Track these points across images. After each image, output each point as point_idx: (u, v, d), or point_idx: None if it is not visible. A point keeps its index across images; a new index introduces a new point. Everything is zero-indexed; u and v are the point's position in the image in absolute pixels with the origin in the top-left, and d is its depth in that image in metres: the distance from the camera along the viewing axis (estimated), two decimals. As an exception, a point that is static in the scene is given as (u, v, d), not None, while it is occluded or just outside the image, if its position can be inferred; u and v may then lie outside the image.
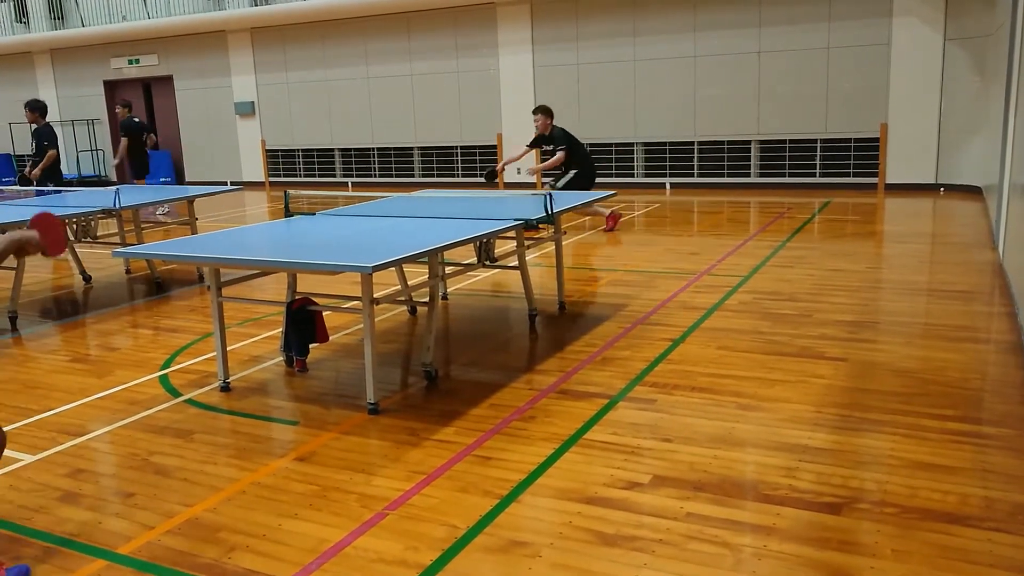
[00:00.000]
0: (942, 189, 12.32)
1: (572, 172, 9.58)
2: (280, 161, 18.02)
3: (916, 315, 5.80)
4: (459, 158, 16.13)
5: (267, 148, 18.05)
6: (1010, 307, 5.75)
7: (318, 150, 17.56)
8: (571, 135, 9.72)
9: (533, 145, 9.96)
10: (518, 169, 15.51)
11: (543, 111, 9.64)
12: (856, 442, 3.71)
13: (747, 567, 2.75)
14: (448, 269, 5.74)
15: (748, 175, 13.78)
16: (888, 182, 12.74)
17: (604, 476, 3.45)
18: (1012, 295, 5.88)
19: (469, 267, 5.60)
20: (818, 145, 13.20)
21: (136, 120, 12.84)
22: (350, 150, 17.21)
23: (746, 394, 4.33)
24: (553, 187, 9.56)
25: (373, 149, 16.91)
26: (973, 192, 11.69)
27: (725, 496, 3.24)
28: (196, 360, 5.38)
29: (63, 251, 3.17)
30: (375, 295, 4.25)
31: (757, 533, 2.96)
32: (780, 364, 4.78)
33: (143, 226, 8.17)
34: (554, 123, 9.67)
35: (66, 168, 19.85)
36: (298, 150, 17.74)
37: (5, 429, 3.46)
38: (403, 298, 5.90)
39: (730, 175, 13.88)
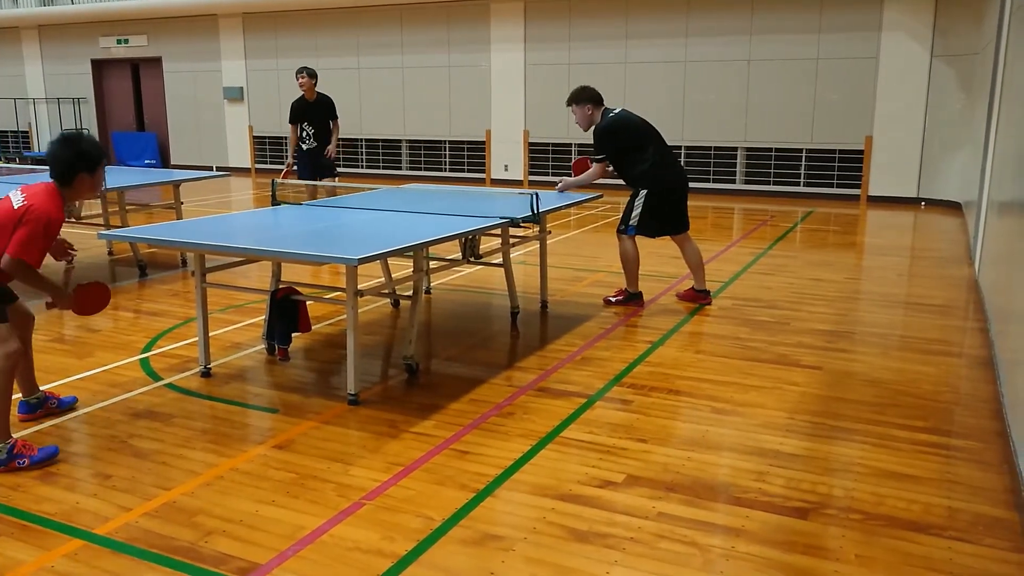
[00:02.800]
0: (923, 203, 12.48)
1: None
2: (267, 148, 17.94)
3: (892, 327, 5.90)
4: (447, 153, 16.14)
5: (254, 134, 17.97)
6: (983, 323, 5.86)
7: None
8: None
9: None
10: (505, 166, 15.59)
11: None
12: (826, 449, 3.78)
13: (715, 567, 2.82)
14: (432, 264, 5.78)
15: (733, 181, 13.89)
16: (871, 194, 12.88)
17: (579, 474, 3.51)
18: (985, 311, 5.99)
19: (454, 262, 5.64)
20: (803, 155, 13.32)
21: None
22: (338, 140, 17.12)
23: (722, 398, 4.40)
24: None
25: (361, 140, 16.88)
26: (953, 208, 11.85)
27: (696, 497, 3.31)
28: (177, 345, 5.39)
29: (88, 315, 3.93)
30: (359, 287, 4.28)
31: (726, 534, 3.03)
32: (756, 370, 4.86)
33: (128, 208, 8.13)
34: None
35: (50, 146, 19.69)
36: (285, 138, 17.64)
37: None
38: (387, 291, 5.92)
39: (716, 181, 13.98)
